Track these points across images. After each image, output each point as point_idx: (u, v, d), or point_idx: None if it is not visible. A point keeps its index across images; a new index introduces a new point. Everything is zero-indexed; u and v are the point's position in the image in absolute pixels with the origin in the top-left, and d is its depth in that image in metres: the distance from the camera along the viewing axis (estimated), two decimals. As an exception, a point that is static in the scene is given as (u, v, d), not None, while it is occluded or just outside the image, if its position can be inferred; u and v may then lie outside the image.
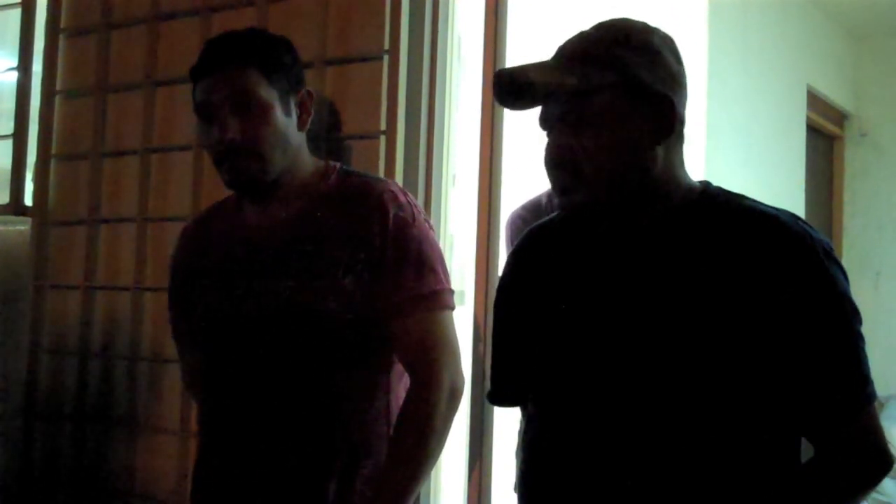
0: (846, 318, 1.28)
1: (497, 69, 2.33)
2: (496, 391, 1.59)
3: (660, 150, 1.35)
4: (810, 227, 1.33)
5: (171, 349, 2.12)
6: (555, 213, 1.56)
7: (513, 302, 1.54)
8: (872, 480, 1.32)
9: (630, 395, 1.32)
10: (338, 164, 1.81)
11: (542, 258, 1.51)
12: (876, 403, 1.31)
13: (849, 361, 1.28)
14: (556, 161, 1.34)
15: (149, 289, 2.53)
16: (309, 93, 1.77)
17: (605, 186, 1.33)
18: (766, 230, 1.30)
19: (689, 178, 1.41)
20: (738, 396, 1.28)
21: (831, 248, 1.32)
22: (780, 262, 1.27)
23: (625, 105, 1.31)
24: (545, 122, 1.38)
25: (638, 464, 1.31)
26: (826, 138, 5.90)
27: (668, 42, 1.38)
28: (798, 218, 1.34)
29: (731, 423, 1.29)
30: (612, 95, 1.31)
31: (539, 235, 1.56)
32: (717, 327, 1.28)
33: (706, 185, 1.41)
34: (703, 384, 1.28)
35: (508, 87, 1.34)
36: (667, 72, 1.35)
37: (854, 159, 6.00)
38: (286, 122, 1.71)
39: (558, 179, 1.35)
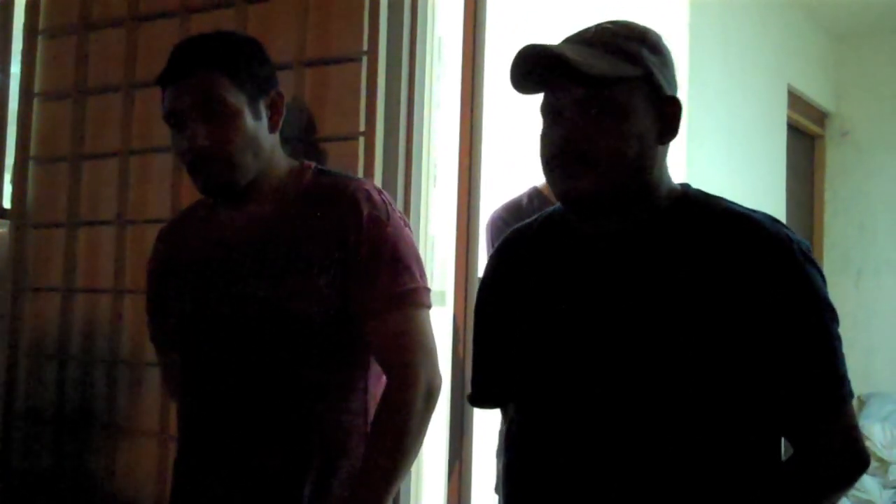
0: (823, 319, 1.30)
1: (476, 66, 2.34)
2: (477, 393, 1.59)
3: (660, 151, 1.36)
4: (789, 229, 1.34)
5: (150, 352, 2.11)
6: (535, 217, 1.56)
7: (494, 304, 1.54)
8: (850, 478, 1.34)
9: (612, 396, 1.33)
10: (312, 164, 1.81)
11: (522, 260, 1.51)
12: (856, 401, 1.33)
13: (826, 361, 1.29)
14: (567, 145, 1.32)
15: (128, 291, 2.52)
16: (279, 94, 1.76)
17: (613, 178, 1.32)
18: (745, 232, 1.32)
19: (672, 181, 1.42)
20: (718, 396, 1.29)
21: (809, 250, 1.33)
22: (760, 263, 1.29)
23: (641, 101, 1.32)
24: (553, 107, 1.36)
25: (621, 463, 1.32)
26: (807, 137, 5.93)
27: (669, 49, 1.40)
28: (777, 220, 1.35)
29: (713, 422, 1.30)
30: (632, 90, 1.32)
31: (519, 238, 1.56)
32: (697, 328, 1.29)
33: (686, 188, 1.42)
34: (684, 384, 1.29)
35: (534, 60, 1.32)
36: (671, 76, 1.38)
37: (835, 158, 6.03)
38: (255, 126, 1.70)
39: (565, 165, 1.33)
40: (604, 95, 1.30)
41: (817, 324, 1.30)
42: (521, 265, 1.50)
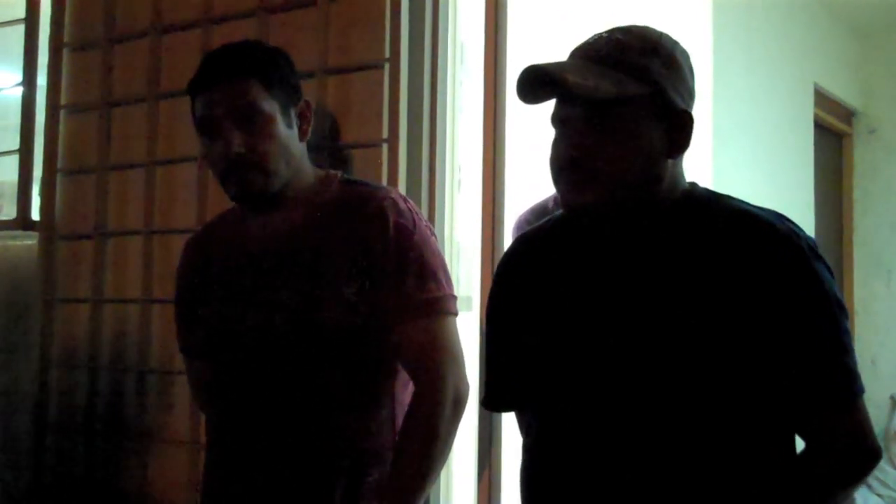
0: (832, 314, 1.30)
1: (498, 70, 2.34)
2: (491, 397, 1.59)
3: (670, 163, 1.37)
4: (796, 225, 1.36)
5: (179, 361, 2.12)
6: (545, 219, 1.57)
7: (505, 308, 1.55)
8: (861, 473, 1.35)
9: (627, 396, 1.34)
10: (339, 173, 1.82)
11: (532, 264, 1.52)
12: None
13: (836, 357, 1.30)
14: (573, 160, 1.33)
15: (156, 301, 2.54)
16: (307, 103, 1.77)
17: (617, 192, 1.33)
18: (752, 230, 1.33)
19: (684, 183, 1.42)
20: (733, 394, 1.30)
21: (816, 246, 1.34)
22: (768, 260, 1.30)
23: (650, 117, 1.33)
24: (562, 119, 1.37)
25: (638, 461, 1.33)
26: (834, 136, 5.87)
27: (687, 56, 1.40)
28: (784, 217, 1.36)
29: (728, 419, 1.31)
30: (639, 106, 1.32)
31: (529, 242, 1.57)
32: (709, 327, 1.30)
33: (693, 187, 1.43)
34: (699, 383, 1.30)
35: (537, 83, 1.33)
36: (686, 87, 1.37)
37: (863, 156, 5.96)
38: (288, 134, 1.71)
39: (570, 177, 1.35)
40: (608, 114, 1.31)
41: (827, 319, 1.30)
42: (532, 268, 1.51)
